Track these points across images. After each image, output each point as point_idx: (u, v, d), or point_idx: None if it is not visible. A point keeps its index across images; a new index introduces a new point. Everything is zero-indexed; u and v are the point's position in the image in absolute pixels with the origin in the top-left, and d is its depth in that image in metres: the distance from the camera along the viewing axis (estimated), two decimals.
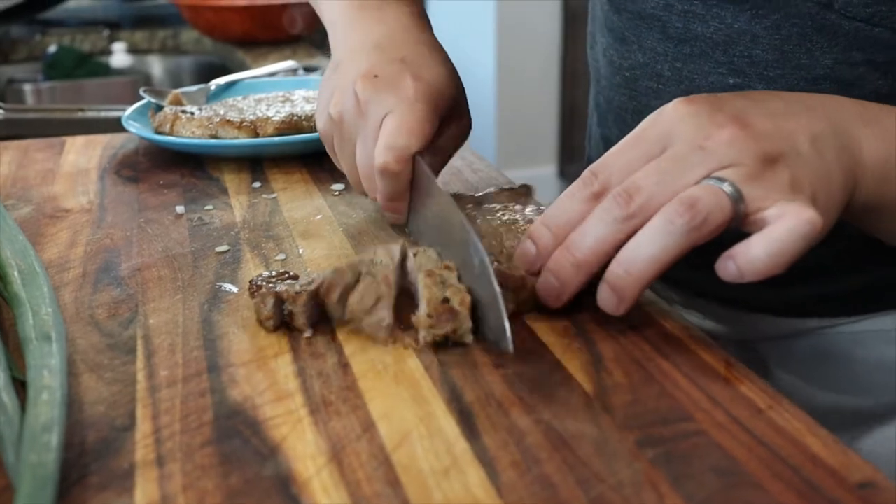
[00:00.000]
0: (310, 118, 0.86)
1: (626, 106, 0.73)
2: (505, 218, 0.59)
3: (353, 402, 0.45)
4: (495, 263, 0.51)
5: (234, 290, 0.58)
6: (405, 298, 0.52)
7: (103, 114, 1.12)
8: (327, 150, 0.67)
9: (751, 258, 0.45)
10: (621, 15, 0.71)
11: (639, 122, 0.50)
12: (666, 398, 0.45)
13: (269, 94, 0.97)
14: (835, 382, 0.73)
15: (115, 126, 0.94)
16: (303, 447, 0.41)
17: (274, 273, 0.55)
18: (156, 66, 2.24)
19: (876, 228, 0.54)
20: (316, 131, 0.85)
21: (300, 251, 0.64)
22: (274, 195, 0.76)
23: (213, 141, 0.84)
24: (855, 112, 0.50)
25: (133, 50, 2.21)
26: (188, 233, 0.68)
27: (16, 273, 0.56)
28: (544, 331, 0.52)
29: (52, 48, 2.16)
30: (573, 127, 3.21)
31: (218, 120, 0.85)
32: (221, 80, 1.07)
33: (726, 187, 0.45)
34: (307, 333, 0.51)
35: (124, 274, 0.61)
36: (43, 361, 0.46)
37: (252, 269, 0.61)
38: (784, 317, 0.72)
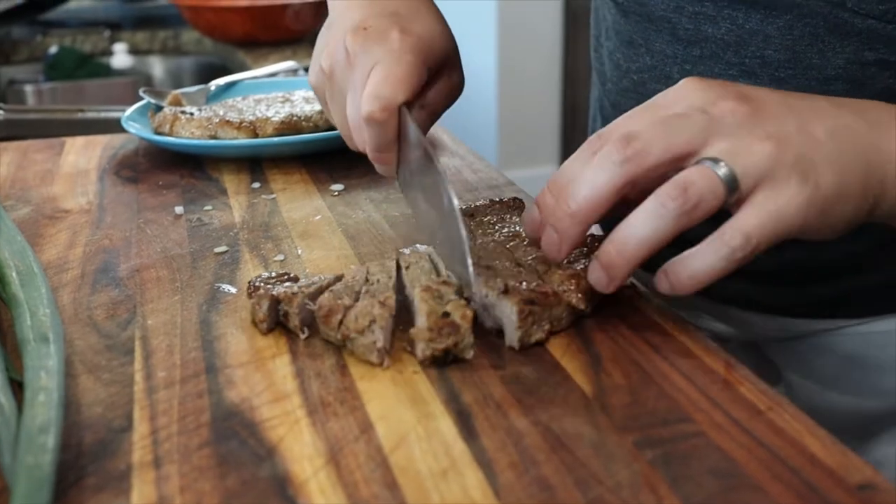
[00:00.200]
0: (309, 119, 0.86)
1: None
2: (505, 231, 0.59)
3: (350, 403, 0.45)
4: (524, 284, 0.50)
5: (233, 290, 0.58)
6: (401, 313, 0.51)
7: (103, 114, 1.12)
8: (320, 104, 0.67)
9: (676, 280, 0.47)
10: (629, 18, 0.71)
11: None
12: (665, 399, 0.45)
13: (268, 94, 0.97)
14: (845, 384, 0.72)
15: (115, 127, 0.94)
16: (300, 448, 0.41)
17: (273, 274, 0.55)
18: (156, 66, 2.24)
19: None
20: (315, 132, 0.85)
21: (299, 252, 0.64)
22: (273, 196, 0.76)
23: (212, 141, 0.84)
24: (889, 114, 0.49)
25: (134, 51, 2.21)
26: (187, 233, 0.68)
27: (14, 274, 0.56)
28: None
29: (53, 49, 2.16)
30: (574, 127, 3.20)
31: (217, 120, 0.85)
32: (221, 81, 1.07)
33: (721, 171, 0.45)
34: (303, 335, 0.51)
35: (123, 275, 0.61)
36: (40, 362, 0.46)
37: (251, 269, 0.61)
38: (794, 318, 0.72)
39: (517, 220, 0.61)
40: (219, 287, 0.58)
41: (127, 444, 0.42)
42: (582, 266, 0.52)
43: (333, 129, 0.87)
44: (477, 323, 0.51)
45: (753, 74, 0.63)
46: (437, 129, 0.94)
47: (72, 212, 0.73)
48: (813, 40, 0.60)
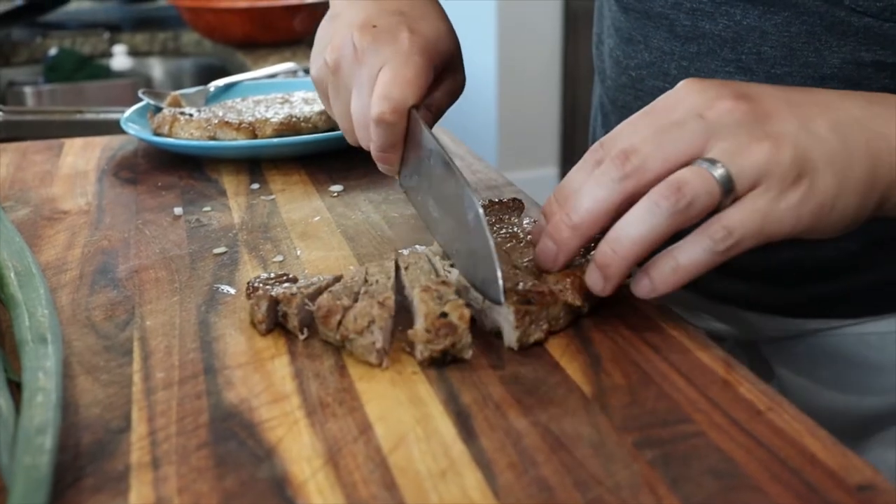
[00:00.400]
0: (308, 120, 0.86)
1: (631, 106, 0.73)
2: (503, 232, 0.59)
3: (349, 403, 0.45)
4: (520, 285, 0.51)
5: (232, 291, 0.57)
6: (401, 314, 0.51)
7: (102, 116, 1.12)
8: (319, 97, 0.67)
9: (657, 274, 0.47)
10: (628, 15, 0.71)
11: None
12: (664, 399, 0.44)
13: (267, 95, 0.97)
14: (841, 383, 0.72)
15: (114, 128, 0.94)
16: (299, 449, 0.41)
17: (272, 275, 0.55)
18: (156, 68, 2.24)
19: None
20: (314, 132, 0.85)
21: (298, 252, 0.64)
22: (272, 197, 0.76)
23: (211, 143, 0.84)
24: (890, 105, 0.49)
25: (133, 52, 2.22)
26: (186, 234, 0.68)
27: (12, 275, 0.56)
28: None
29: (53, 51, 2.16)
30: (574, 128, 3.20)
31: (216, 122, 0.85)
32: (220, 82, 1.06)
33: (717, 172, 0.45)
34: (302, 335, 0.51)
35: (121, 276, 0.61)
36: (38, 363, 0.46)
37: (250, 270, 0.61)
38: (790, 317, 0.72)
39: (516, 220, 0.61)
40: (217, 288, 0.58)
41: (125, 445, 0.42)
42: (578, 265, 0.52)
43: (333, 130, 0.87)
44: (475, 324, 0.51)
45: (750, 71, 0.63)
46: (437, 129, 0.94)
47: (70, 213, 0.73)
48: (809, 38, 0.60)
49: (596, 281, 0.48)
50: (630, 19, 0.71)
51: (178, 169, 0.83)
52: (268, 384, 0.47)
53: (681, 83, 0.49)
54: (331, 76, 0.63)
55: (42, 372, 0.45)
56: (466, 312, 0.48)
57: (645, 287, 0.47)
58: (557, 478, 0.39)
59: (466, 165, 0.83)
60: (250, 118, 0.86)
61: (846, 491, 0.38)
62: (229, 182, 0.80)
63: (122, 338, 0.52)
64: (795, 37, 0.60)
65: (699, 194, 0.45)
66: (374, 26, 0.60)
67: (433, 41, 0.61)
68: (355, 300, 0.51)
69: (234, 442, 0.42)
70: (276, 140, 0.83)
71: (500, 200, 0.65)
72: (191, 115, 0.87)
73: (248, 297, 0.53)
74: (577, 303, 0.50)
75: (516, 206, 0.64)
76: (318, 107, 0.89)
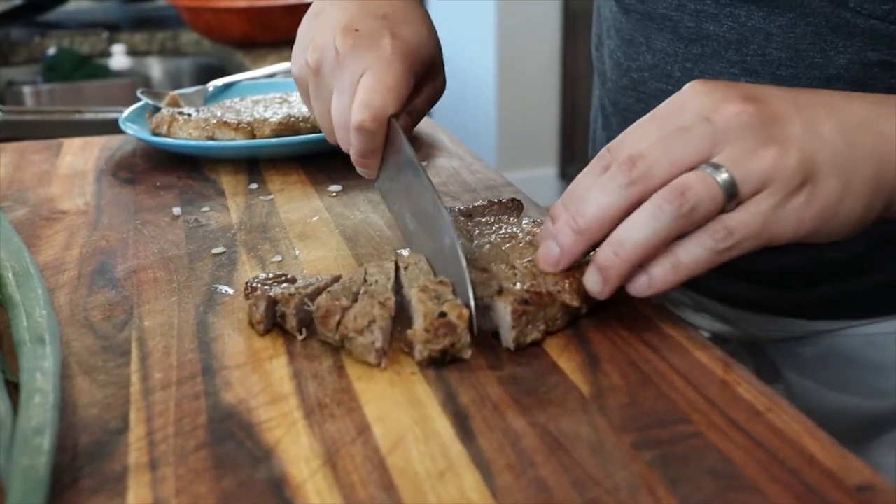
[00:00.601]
0: (307, 119, 0.86)
1: (633, 108, 0.73)
2: (502, 232, 0.58)
3: (347, 404, 0.45)
4: (517, 285, 0.50)
5: (230, 291, 0.57)
6: (399, 314, 0.51)
7: (101, 115, 1.12)
8: (300, 94, 0.67)
9: (657, 271, 0.47)
10: (630, 16, 0.70)
11: None
12: (663, 400, 0.44)
13: (266, 95, 0.97)
14: (846, 385, 0.72)
15: (113, 128, 0.93)
16: (297, 450, 0.41)
17: (270, 275, 0.55)
18: (155, 68, 2.24)
19: None
20: (313, 133, 0.85)
21: (297, 253, 0.64)
22: (271, 197, 0.76)
23: (209, 142, 0.84)
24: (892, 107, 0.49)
25: (132, 52, 2.21)
26: (184, 234, 0.67)
27: (10, 275, 0.56)
28: None
29: (52, 50, 2.16)
30: (574, 128, 3.20)
31: (215, 121, 0.85)
32: (219, 82, 1.06)
33: (721, 177, 0.45)
34: (300, 336, 0.51)
35: (120, 276, 0.61)
36: (36, 364, 0.46)
37: (248, 270, 0.61)
38: (796, 318, 0.72)
39: (514, 220, 0.61)
40: (216, 288, 0.58)
41: (123, 446, 0.42)
42: (577, 266, 0.52)
43: None
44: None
45: (755, 73, 0.63)
46: (436, 130, 0.94)
47: (69, 213, 0.73)
48: (815, 39, 0.60)
49: (595, 283, 0.48)
50: (631, 21, 0.70)
51: (177, 169, 0.83)
52: (266, 385, 0.47)
53: (687, 85, 0.49)
54: (312, 76, 0.63)
55: (40, 372, 0.45)
56: (465, 312, 0.48)
57: (642, 283, 0.47)
58: (556, 478, 0.39)
59: (466, 165, 0.83)
60: (249, 118, 0.86)
61: (845, 491, 0.38)
62: (228, 182, 0.80)
63: (120, 338, 0.52)
64: (801, 38, 0.60)
65: (702, 199, 0.45)
66: (357, 30, 0.60)
67: (415, 47, 0.61)
68: (354, 300, 0.51)
69: (232, 443, 0.42)
70: (274, 140, 0.83)
71: (499, 200, 0.64)
72: (189, 114, 0.87)
73: (247, 297, 0.53)
74: (575, 304, 0.50)
75: (515, 206, 0.64)
76: None
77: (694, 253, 0.46)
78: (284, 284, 0.53)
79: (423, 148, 0.88)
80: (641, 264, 0.47)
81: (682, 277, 0.47)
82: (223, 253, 0.64)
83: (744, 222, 0.45)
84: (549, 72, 3.21)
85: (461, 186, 0.77)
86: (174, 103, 0.96)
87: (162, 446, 0.42)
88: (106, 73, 2.19)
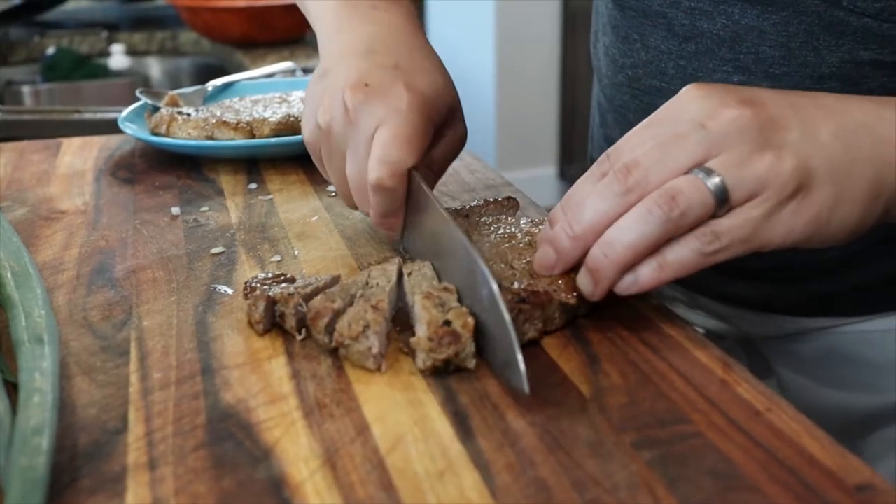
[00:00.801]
0: None
1: (628, 105, 0.73)
2: (500, 232, 0.58)
3: (347, 404, 0.45)
4: (515, 284, 0.50)
5: (229, 291, 0.57)
6: (401, 320, 0.51)
7: (100, 115, 1.12)
8: (314, 160, 0.63)
9: (643, 271, 0.47)
10: (625, 13, 0.71)
11: (642, 121, 0.50)
12: (662, 400, 0.44)
13: (265, 95, 0.97)
14: (841, 382, 0.72)
15: (112, 127, 0.93)
16: (296, 450, 0.41)
17: (270, 275, 0.55)
18: (154, 67, 2.24)
19: None
20: None
21: (296, 253, 0.64)
22: (270, 196, 0.76)
23: (209, 142, 0.84)
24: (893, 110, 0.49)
25: (131, 52, 2.21)
26: (183, 234, 0.67)
27: (9, 275, 0.56)
28: None
29: (51, 50, 2.16)
30: (573, 128, 3.20)
31: (214, 121, 0.85)
32: (218, 82, 1.06)
33: (712, 182, 0.45)
34: (299, 336, 0.51)
35: (119, 276, 0.60)
36: (35, 364, 0.46)
37: (247, 270, 0.61)
38: (790, 316, 0.72)
39: (512, 220, 0.61)
40: (215, 288, 0.58)
41: (122, 446, 0.42)
42: (575, 267, 0.52)
43: None
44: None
45: (748, 70, 0.63)
46: None
47: (68, 213, 0.73)
48: (808, 38, 0.60)
49: (586, 284, 0.48)
50: (626, 17, 0.70)
51: (176, 168, 0.83)
52: (265, 385, 0.47)
53: (684, 89, 0.49)
54: (324, 139, 0.59)
55: (38, 372, 0.45)
56: (470, 321, 0.47)
57: (628, 281, 0.47)
58: (555, 478, 0.39)
59: (465, 165, 0.83)
60: (248, 118, 0.86)
61: (845, 491, 0.38)
62: (227, 182, 0.80)
63: (119, 338, 0.52)
64: (794, 36, 0.60)
65: (693, 204, 0.45)
66: (367, 84, 0.56)
67: (431, 96, 0.57)
68: (350, 303, 0.50)
69: (231, 443, 0.42)
70: (273, 140, 0.83)
71: (495, 199, 0.64)
72: (188, 114, 0.87)
73: (246, 297, 0.53)
74: (573, 302, 0.50)
75: (511, 204, 0.64)
76: None
77: (680, 254, 0.46)
78: (284, 284, 0.53)
79: None
80: (632, 266, 0.47)
81: (668, 277, 0.47)
82: (222, 253, 0.64)
83: (732, 227, 0.45)
84: (549, 72, 3.21)
85: (460, 186, 0.77)
86: (173, 103, 0.96)
87: (161, 446, 0.42)
88: (105, 72, 2.19)
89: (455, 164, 0.83)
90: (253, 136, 0.84)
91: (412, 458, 0.40)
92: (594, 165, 0.50)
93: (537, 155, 3.29)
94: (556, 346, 0.50)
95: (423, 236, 0.57)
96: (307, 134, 0.62)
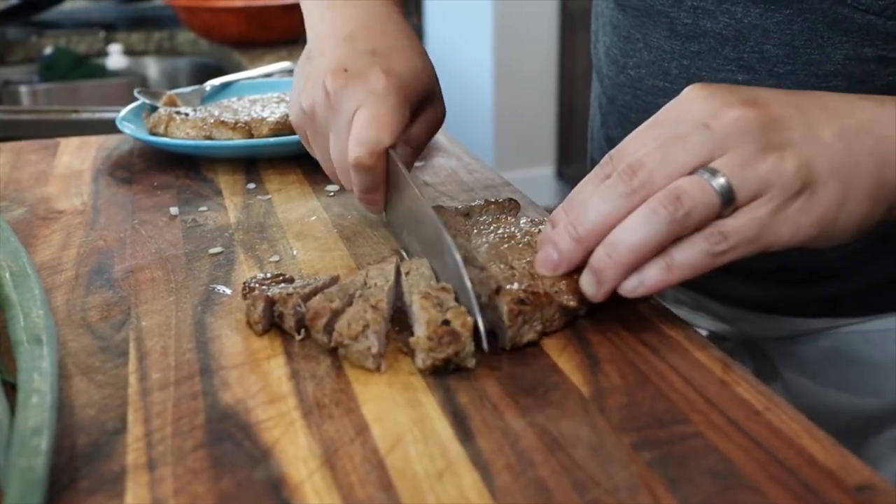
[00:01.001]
0: None
1: (630, 105, 0.73)
2: (500, 232, 0.58)
3: (346, 404, 0.45)
4: (515, 285, 0.50)
5: (228, 291, 0.57)
6: (399, 319, 0.51)
7: (97, 115, 1.12)
8: (301, 140, 0.68)
9: (648, 272, 0.47)
10: (626, 13, 0.70)
11: (644, 121, 0.50)
12: (662, 400, 0.44)
13: (263, 95, 0.97)
14: (845, 383, 0.72)
15: (110, 127, 0.93)
16: (295, 450, 0.41)
17: (268, 275, 0.55)
18: (152, 67, 2.23)
19: None
20: None
21: (294, 252, 0.64)
22: (268, 196, 0.75)
23: (207, 142, 0.83)
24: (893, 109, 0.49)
25: (129, 52, 2.21)
26: (182, 234, 0.67)
27: (7, 275, 0.56)
28: None
29: (48, 50, 2.16)
30: (571, 128, 3.21)
31: (212, 121, 0.84)
32: (216, 81, 1.06)
33: (717, 183, 0.45)
34: (298, 336, 0.51)
35: (117, 276, 0.60)
36: (33, 364, 0.45)
37: (246, 270, 0.61)
38: (794, 317, 0.72)
39: (512, 220, 0.61)
40: (214, 288, 0.58)
41: (121, 447, 0.42)
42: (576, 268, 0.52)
43: None
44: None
45: (752, 70, 0.63)
46: None
47: (66, 213, 0.73)
48: (812, 35, 0.60)
49: (590, 285, 0.48)
50: (628, 17, 0.70)
51: (174, 168, 0.83)
52: (264, 385, 0.47)
53: (686, 90, 0.49)
54: (308, 122, 0.63)
55: (37, 373, 0.45)
56: (469, 320, 0.47)
57: (633, 283, 0.47)
58: (555, 479, 0.39)
59: (463, 165, 0.83)
60: (246, 117, 0.85)
61: (845, 491, 0.38)
62: (225, 182, 0.80)
63: (117, 338, 0.52)
64: (797, 34, 0.60)
65: (697, 204, 0.45)
66: (346, 70, 0.60)
67: (408, 79, 0.61)
68: (349, 303, 0.50)
69: (230, 443, 0.42)
70: (272, 139, 0.83)
71: (496, 200, 0.64)
72: (186, 114, 0.87)
73: (245, 297, 0.53)
74: (573, 304, 0.50)
75: (512, 206, 0.64)
76: None
77: (687, 255, 0.46)
78: (282, 285, 0.53)
79: None
80: (636, 267, 0.47)
81: (675, 279, 0.47)
82: (221, 253, 0.64)
83: (738, 227, 0.45)
84: (547, 72, 3.21)
85: (459, 186, 0.77)
86: (171, 103, 0.96)
87: (160, 447, 0.42)
88: (103, 72, 2.18)
89: (453, 165, 0.83)
90: (251, 136, 0.84)
91: (411, 459, 0.40)
92: (597, 167, 0.50)
93: (535, 155, 3.29)
94: (555, 346, 0.50)
95: (400, 211, 0.61)
96: (293, 116, 0.66)
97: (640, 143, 0.48)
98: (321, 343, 0.50)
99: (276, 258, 0.63)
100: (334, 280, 0.54)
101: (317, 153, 0.65)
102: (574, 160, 3.18)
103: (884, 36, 0.58)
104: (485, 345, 0.48)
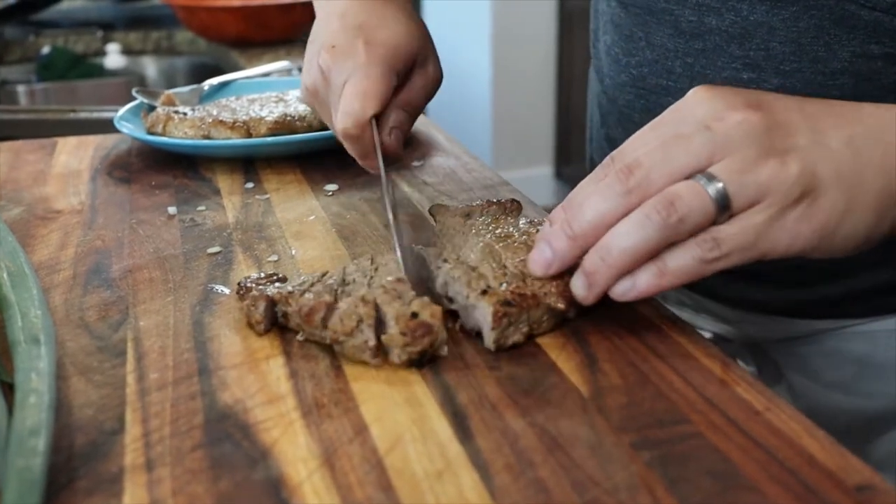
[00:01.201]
0: (303, 118, 0.85)
1: (632, 105, 0.72)
2: (498, 231, 0.58)
3: (345, 404, 0.45)
4: (503, 286, 0.50)
5: (226, 291, 0.57)
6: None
7: (95, 115, 1.12)
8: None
9: (641, 278, 0.46)
10: (628, 11, 0.70)
11: (647, 121, 0.49)
12: (662, 400, 0.44)
13: (262, 94, 0.97)
14: (848, 384, 0.72)
15: (108, 127, 0.93)
16: (294, 450, 0.41)
17: (262, 275, 0.55)
18: (150, 67, 2.23)
19: None
20: (310, 131, 0.85)
21: (293, 252, 0.63)
22: (267, 196, 0.75)
23: (205, 141, 0.83)
24: None
25: (127, 51, 2.21)
26: (180, 234, 0.67)
27: (5, 275, 0.55)
28: None
29: (46, 49, 2.15)
30: (569, 128, 3.20)
31: (210, 120, 0.84)
32: (214, 81, 1.06)
33: (713, 188, 0.44)
34: (301, 336, 0.51)
35: (115, 276, 0.60)
36: (31, 364, 0.45)
37: (244, 270, 0.60)
38: (798, 318, 0.72)
39: (512, 221, 0.61)
40: (212, 288, 0.58)
41: (119, 447, 0.42)
42: (568, 269, 0.52)
43: (327, 128, 0.87)
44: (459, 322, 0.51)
45: (757, 67, 0.62)
46: (432, 129, 0.94)
47: (64, 212, 0.73)
48: (818, 33, 0.59)
49: (580, 287, 0.48)
50: (630, 15, 0.70)
51: (172, 168, 0.83)
52: (263, 385, 0.46)
53: (691, 91, 0.48)
54: (313, 99, 0.68)
55: (35, 373, 0.44)
56: (437, 309, 0.48)
57: (625, 287, 0.47)
58: (554, 479, 0.39)
59: (462, 165, 0.83)
60: (245, 117, 0.85)
61: (845, 491, 0.37)
62: (224, 181, 0.79)
63: (115, 338, 0.52)
64: (804, 32, 0.60)
65: (692, 210, 0.44)
66: (334, 46, 0.64)
67: (391, 47, 0.64)
68: (335, 299, 0.50)
69: (228, 443, 0.42)
70: (270, 139, 0.83)
71: (498, 201, 0.64)
72: (185, 113, 0.87)
73: (241, 298, 0.53)
74: (561, 307, 0.50)
75: (514, 207, 0.63)
76: None
77: (680, 261, 0.46)
78: (277, 284, 0.53)
79: (420, 147, 0.88)
80: (629, 271, 0.47)
81: (667, 284, 0.46)
82: (219, 252, 0.63)
83: (733, 234, 0.45)
84: (545, 72, 3.21)
85: (457, 185, 0.77)
86: (169, 102, 0.96)
87: (158, 447, 0.41)
88: (101, 72, 2.18)
89: (452, 164, 0.82)
90: (249, 136, 0.84)
91: (411, 459, 0.40)
92: (598, 167, 0.49)
93: (533, 155, 3.29)
94: (554, 345, 0.50)
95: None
96: (303, 94, 0.70)
97: (641, 144, 0.47)
98: (321, 339, 0.49)
99: (274, 258, 0.62)
100: (324, 276, 0.54)
101: (329, 126, 0.69)
102: (572, 160, 3.18)
103: (891, 33, 0.57)
104: (402, 273, 0.51)
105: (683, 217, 0.44)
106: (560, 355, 0.49)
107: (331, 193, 0.76)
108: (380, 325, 0.48)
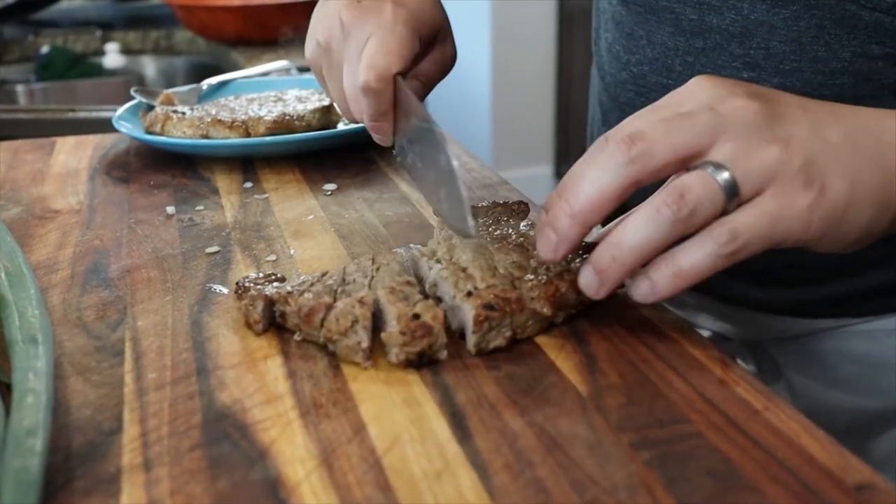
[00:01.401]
0: (302, 118, 0.85)
1: (633, 102, 0.72)
2: (496, 234, 0.58)
3: (343, 404, 0.44)
4: (489, 288, 0.49)
5: (225, 291, 0.57)
6: (375, 313, 0.50)
7: (94, 114, 1.12)
8: (316, 78, 0.69)
9: (659, 277, 0.46)
10: (629, 9, 0.70)
11: None
12: (661, 399, 0.44)
13: (261, 93, 0.97)
14: (849, 383, 0.72)
15: (107, 126, 0.93)
16: (292, 450, 0.41)
17: (260, 275, 0.54)
18: (149, 66, 2.23)
19: None
20: (308, 131, 0.85)
21: (291, 252, 0.63)
22: (265, 195, 0.75)
23: (203, 141, 0.83)
24: None
25: (126, 50, 2.21)
26: (178, 233, 0.67)
27: (3, 274, 0.55)
28: None
29: (45, 49, 2.15)
30: (569, 127, 3.20)
31: (209, 120, 0.84)
32: (213, 80, 1.06)
33: (722, 178, 0.44)
34: (298, 335, 0.50)
35: (113, 275, 0.60)
36: (29, 364, 0.45)
37: (243, 270, 0.60)
38: (797, 317, 0.72)
39: (514, 223, 0.60)
40: (210, 287, 0.58)
41: (116, 447, 0.41)
42: (562, 269, 0.51)
43: (327, 128, 0.87)
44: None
45: (758, 66, 0.62)
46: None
47: (62, 212, 0.73)
48: (819, 32, 0.59)
49: (591, 283, 0.47)
50: (631, 13, 0.70)
51: (171, 167, 0.83)
52: (261, 385, 0.46)
53: (693, 80, 0.48)
54: (323, 55, 0.65)
55: (32, 373, 0.44)
56: (440, 312, 0.47)
57: (645, 289, 0.46)
58: (553, 479, 0.38)
59: (461, 164, 0.82)
60: (243, 116, 0.85)
61: (844, 491, 0.37)
62: (222, 181, 0.79)
63: (113, 338, 0.52)
64: (804, 31, 0.60)
65: (702, 202, 0.44)
66: (360, 2, 0.62)
67: (417, 12, 0.63)
68: (334, 299, 0.50)
69: (227, 443, 0.42)
70: (269, 138, 0.83)
71: (505, 202, 0.63)
72: (183, 113, 0.87)
73: (239, 297, 0.52)
74: (547, 312, 0.49)
75: (520, 209, 0.62)
76: (312, 105, 0.88)
77: (696, 258, 0.44)
78: (275, 284, 0.53)
79: None
80: (640, 266, 0.46)
81: (685, 284, 0.45)
82: (217, 252, 0.63)
83: (749, 224, 0.44)
84: (544, 71, 3.21)
85: None
86: (168, 101, 0.96)
87: (156, 447, 0.41)
88: (99, 71, 2.18)
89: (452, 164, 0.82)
90: (248, 135, 0.84)
91: (409, 459, 0.40)
92: (593, 146, 0.48)
93: (533, 154, 3.29)
94: (553, 345, 0.50)
95: (409, 137, 0.62)
96: (309, 52, 0.68)
97: (642, 120, 0.46)
98: (315, 339, 0.49)
99: (273, 257, 0.62)
100: (324, 276, 0.54)
101: (331, 87, 0.67)
102: (572, 159, 3.14)
103: (891, 33, 0.57)
104: (470, 229, 0.50)
105: (694, 209, 0.43)
106: (559, 355, 0.49)
107: (329, 193, 0.75)
108: (376, 326, 0.48)
